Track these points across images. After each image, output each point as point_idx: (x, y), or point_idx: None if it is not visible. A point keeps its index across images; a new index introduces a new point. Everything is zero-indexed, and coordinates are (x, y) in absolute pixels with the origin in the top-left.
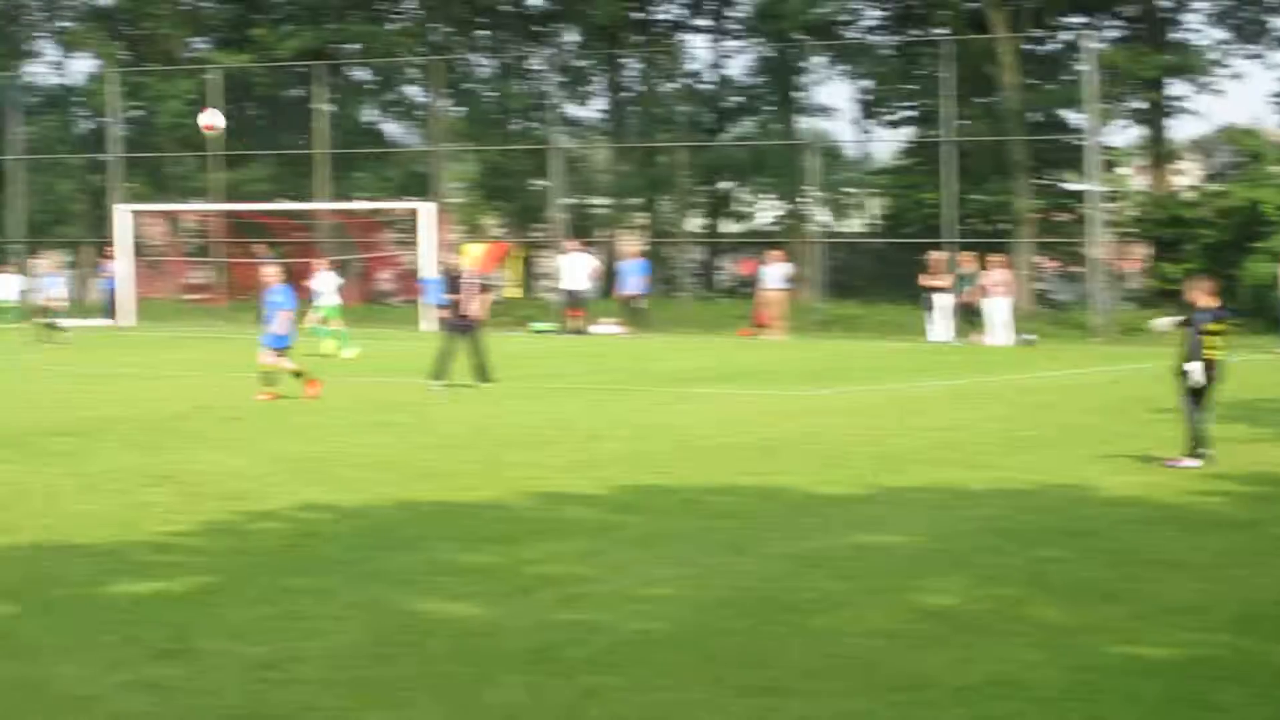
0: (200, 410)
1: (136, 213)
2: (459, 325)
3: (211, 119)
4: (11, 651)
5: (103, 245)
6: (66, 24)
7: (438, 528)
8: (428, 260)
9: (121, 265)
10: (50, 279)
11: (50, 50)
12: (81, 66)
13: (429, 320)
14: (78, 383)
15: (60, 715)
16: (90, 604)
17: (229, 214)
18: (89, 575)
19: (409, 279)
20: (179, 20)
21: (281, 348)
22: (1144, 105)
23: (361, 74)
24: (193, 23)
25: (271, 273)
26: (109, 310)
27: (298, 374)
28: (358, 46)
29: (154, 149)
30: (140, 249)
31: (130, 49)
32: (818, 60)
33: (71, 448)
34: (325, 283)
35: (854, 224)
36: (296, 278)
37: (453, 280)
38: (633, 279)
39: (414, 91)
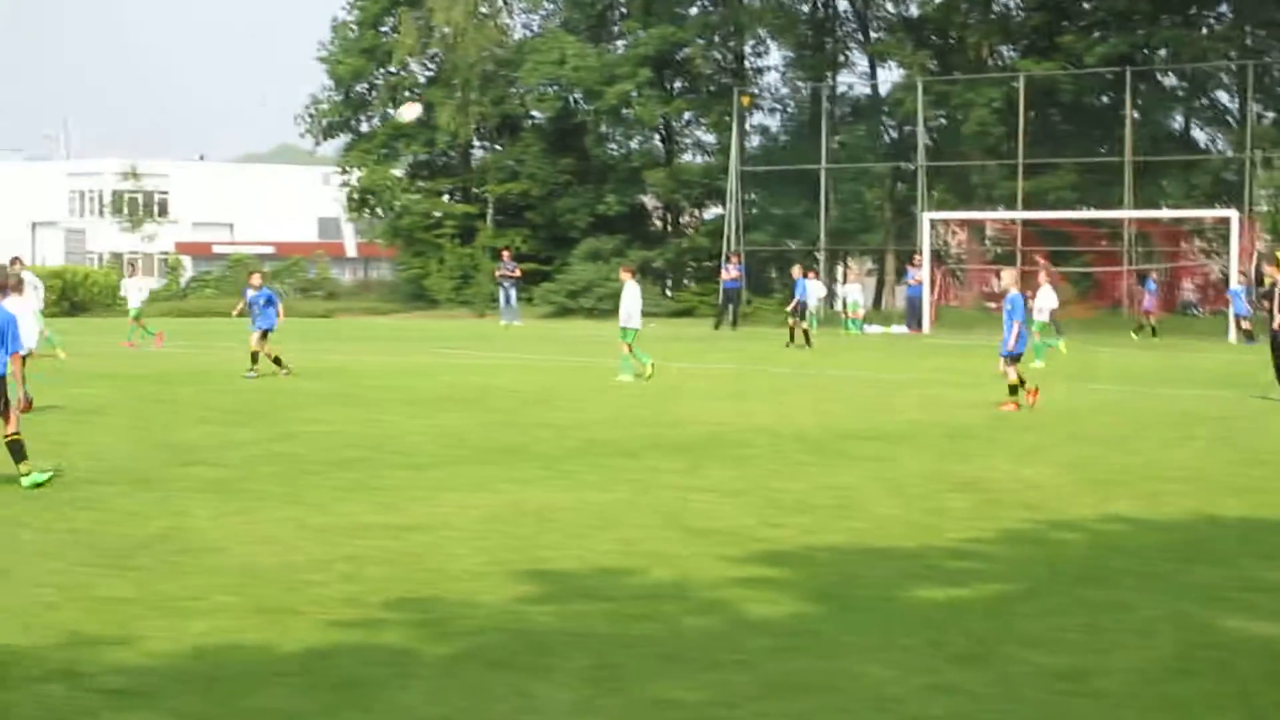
0: (999, 418)
1: (938, 220)
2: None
3: (407, 112)
4: (820, 650)
5: (907, 253)
6: (877, 35)
7: (1245, 544)
8: (1236, 270)
9: (925, 273)
10: (821, 286)
11: (861, 61)
12: (889, 76)
13: (1237, 332)
14: (881, 389)
15: (864, 714)
16: (893, 607)
17: (1031, 222)
18: (892, 578)
19: (1216, 289)
20: (988, 28)
21: (1010, 355)
22: None
23: (1171, 80)
24: (1001, 30)
25: (1010, 279)
26: (911, 317)
27: (1020, 384)
28: (1166, 52)
29: (958, 157)
30: (942, 256)
31: (937, 58)
32: None
33: (875, 452)
34: (1045, 298)
35: None
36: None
37: (1271, 291)
38: None
39: (1225, 97)
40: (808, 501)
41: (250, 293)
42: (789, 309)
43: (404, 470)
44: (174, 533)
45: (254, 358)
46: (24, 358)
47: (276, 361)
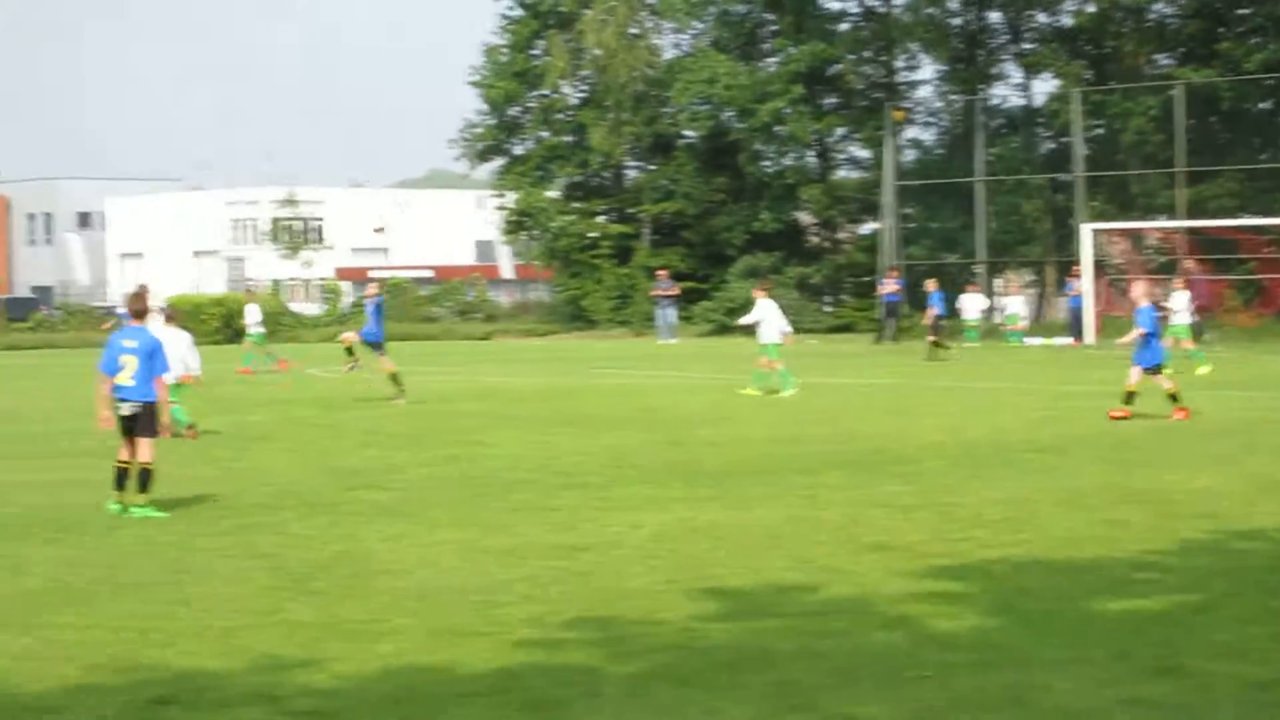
0: (1168, 429)
1: (1099, 231)
2: None
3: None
4: (1004, 663)
5: (1067, 264)
6: (1029, 46)
7: None
8: None
9: (1086, 284)
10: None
11: (1014, 72)
12: (1043, 87)
13: None
14: (1046, 401)
15: None
16: (1076, 619)
17: (1192, 230)
18: (1073, 591)
19: None
20: (1144, 37)
21: (1150, 367)
22: None
23: None
24: (1157, 38)
25: (1140, 292)
26: (1073, 328)
27: (1174, 396)
28: None
29: (1117, 166)
30: (1102, 267)
31: (1092, 67)
32: None
33: (1045, 464)
34: (1179, 302)
35: None
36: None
37: None
38: None
39: None
40: (981, 515)
41: (368, 303)
42: (927, 324)
43: (571, 490)
44: (349, 556)
45: (394, 379)
46: (176, 385)
47: (349, 351)
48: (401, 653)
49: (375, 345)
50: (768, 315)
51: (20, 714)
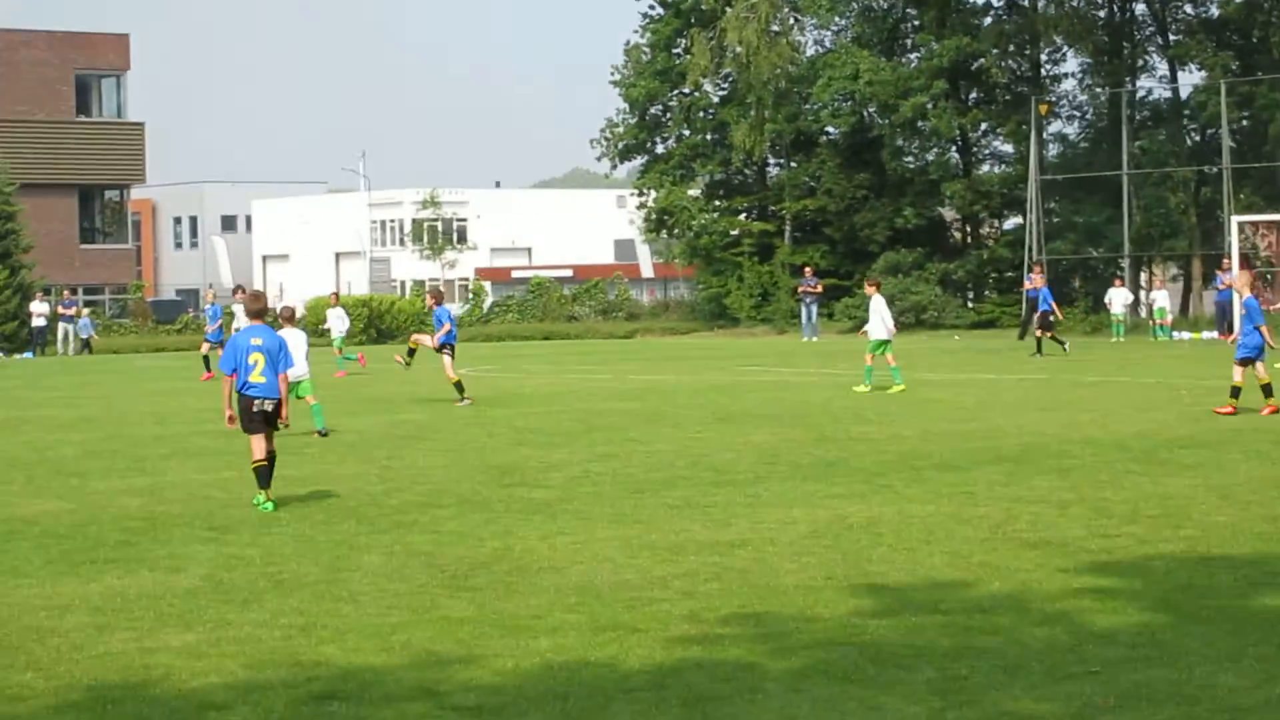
0: None
1: (1246, 223)
2: None
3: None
4: (1169, 660)
5: (1213, 258)
6: (1176, 37)
7: None
8: None
9: (1234, 277)
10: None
11: (1160, 64)
12: (1190, 79)
13: None
14: (1197, 396)
15: None
16: (1238, 614)
17: None
18: (1235, 586)
19: None
20: None
21: (1244, 358)
22: None
23: None
24: None
25: (1243, 281)
26: (1221, 323)
27: (1236, 391)
28: None
29: (1264, 158)
30: (1250, 260)
31: (1239, 58)
32: None
33: (1201, 459)
34: None
35: None
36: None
37: None
38: None
39: None
40: (1137, 511)
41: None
42: (1047, 318)
43: (724, 487)
44: (506, 553)
45: (458, 387)
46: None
47: (411, 352)
48: (561, 649)
49: (441, 348)
50: (880, 312)
51: (188, 709)
